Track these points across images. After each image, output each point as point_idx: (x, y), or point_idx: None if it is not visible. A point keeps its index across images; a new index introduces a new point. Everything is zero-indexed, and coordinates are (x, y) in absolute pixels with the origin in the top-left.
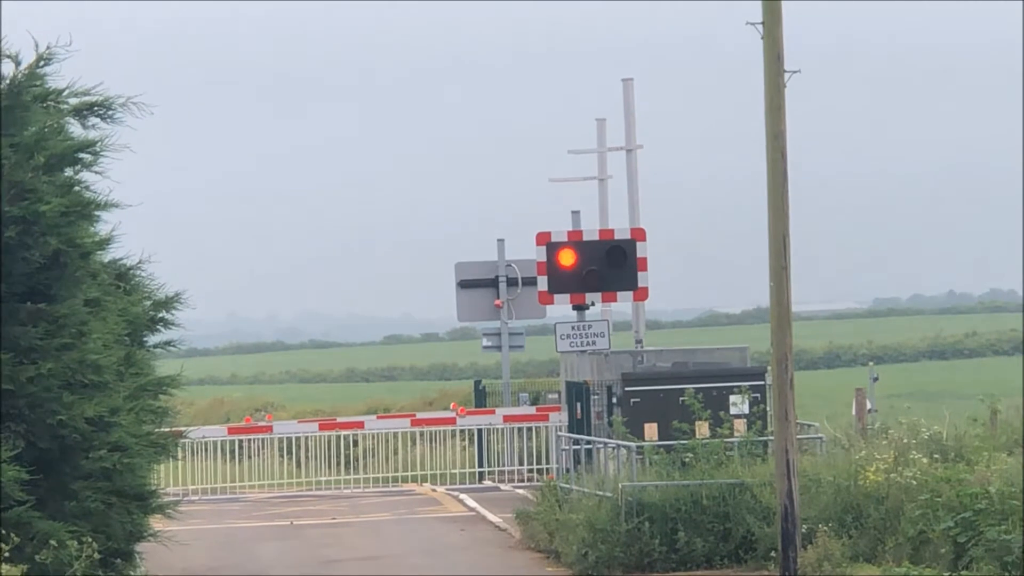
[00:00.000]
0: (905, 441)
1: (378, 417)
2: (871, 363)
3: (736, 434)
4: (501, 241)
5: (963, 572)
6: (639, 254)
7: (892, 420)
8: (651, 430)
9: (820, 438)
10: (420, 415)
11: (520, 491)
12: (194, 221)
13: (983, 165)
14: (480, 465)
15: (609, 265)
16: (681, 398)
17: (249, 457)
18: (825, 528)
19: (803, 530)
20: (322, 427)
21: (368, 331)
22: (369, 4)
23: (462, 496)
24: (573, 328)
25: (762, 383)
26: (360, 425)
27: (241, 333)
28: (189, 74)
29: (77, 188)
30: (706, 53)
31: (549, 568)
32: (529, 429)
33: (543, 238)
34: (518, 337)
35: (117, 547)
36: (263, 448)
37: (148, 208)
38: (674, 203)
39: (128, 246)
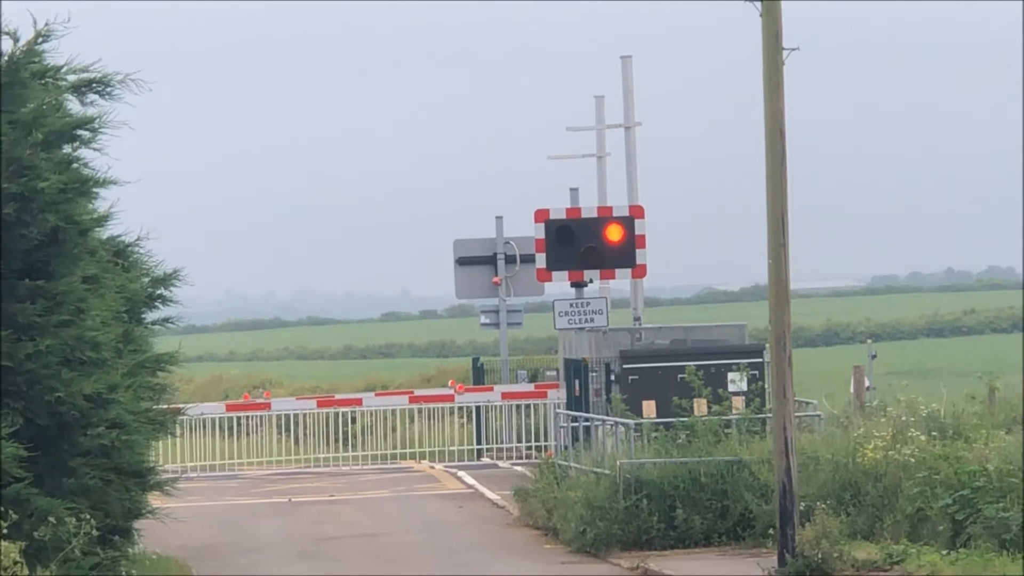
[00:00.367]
0: (903, 419)
1: (376, 394)
2: (869, 340)
3: (734, 411)
4: (499, 218)
5: (961, 550)
6: (638, 231)
7: (890, 398)
8: (649, 407)
9: (818, 416)
10: (418, 392)
11: (518, 468)
12: (192, 199)
13: (981, 139)
14: (478, 442)
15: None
16: (680, 375)
17: (247, 434)
18: (823, 506)
19: (801, 508)
20: (320, 404)
21: (366, 308)
22: None
23: (460, 473)
24: (571, 305)
25: (760, 360)
26: (358, 402)
27: (239, 310)
28: (192, 49)
29: (75, 165)
30: (708, 34)
31: (547, 545)
32: (527, 406)
33: (541, 215)
34: (516, 314)
35: (115, 524)
36: (261, 425)
37: (146, 185)
38: (672, 181)
39: (127, 223)
